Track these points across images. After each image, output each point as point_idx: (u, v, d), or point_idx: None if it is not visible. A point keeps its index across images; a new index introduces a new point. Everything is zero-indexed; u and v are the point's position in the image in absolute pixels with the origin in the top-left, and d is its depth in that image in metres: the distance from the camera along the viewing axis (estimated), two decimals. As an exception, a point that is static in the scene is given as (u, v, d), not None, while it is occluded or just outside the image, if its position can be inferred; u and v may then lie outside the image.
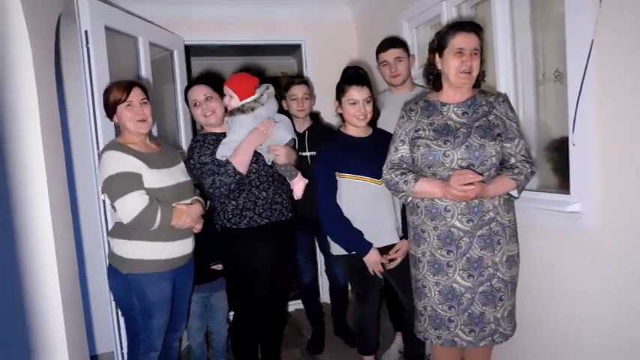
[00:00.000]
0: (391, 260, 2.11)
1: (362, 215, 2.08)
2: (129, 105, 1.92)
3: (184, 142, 3.05)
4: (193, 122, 3.35)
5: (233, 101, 2.14)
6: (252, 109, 2.10)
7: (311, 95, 2.76)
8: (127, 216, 1.82)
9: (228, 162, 2.05)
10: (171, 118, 3.07)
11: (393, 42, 2.46)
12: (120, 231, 1.93)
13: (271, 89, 2.20)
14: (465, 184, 1.63)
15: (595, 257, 1.65)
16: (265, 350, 2.48)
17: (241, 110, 2.10)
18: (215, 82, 2.28)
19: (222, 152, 2.08)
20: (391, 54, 2.41)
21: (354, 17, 3.63)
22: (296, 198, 2.23)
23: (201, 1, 3.21)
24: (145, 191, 1.85)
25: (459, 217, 1.74)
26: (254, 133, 2.10)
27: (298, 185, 2.20)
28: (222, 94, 2.21)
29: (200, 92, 2.17)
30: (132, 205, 1.80)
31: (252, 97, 2.12)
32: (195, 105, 2.18)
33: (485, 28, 1.92)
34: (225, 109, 2.21)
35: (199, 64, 4.76)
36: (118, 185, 1.82)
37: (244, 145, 2.08)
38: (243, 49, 4.48)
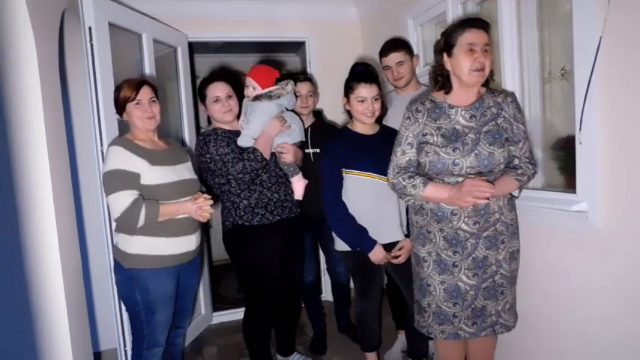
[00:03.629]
0: (395, 257, 2.11)
1: (367, 211, 2.09)
2: (138, 103, 1.95)
3: (188, 139, 3.05)
4: (197, 119, 3.35)
5: (256, 91, 2.21)
6: (279, 97, 2.18)
7: (315, 93, 2.75)
8: (114, 213, 1.86)
9: (255, 149, 2.13)
10: (174, 115, 3.07)
11: (394, 45, 2.40)
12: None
13: (292, 83, 2.29)
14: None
15: (601, 256, 1.64)
16: (280, 341, 2.59)
17: (268, 96, 2.17)
18: (234, 80, 2.36)
19: (244, 142, 2.16)
20: (392, 59, 2.38)
21: (359, 15, 3.62)
22: (297, 198, 2.28)
23: (205, -3, 3.21)
24: (137, 191, 1.86)
25: (466, 219, 1.73)
26: (275, 122, 2.18)
27: (299, 184, 2.26)
28: (237, 93, 2.29)
29: (223, 89, 2.25)
30: (118, 203, 1.83)
31: (278, 85, 2.21)
32: (215, 100, 2.24)
33: (491, 25, 1.90)
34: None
35: (203, 62, 4.75)
36: (112, 182, 1.85)
37: (266, 134, 2.17)
38: (247, 47, 4.47)
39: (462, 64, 1.67)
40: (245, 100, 2.25)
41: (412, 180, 1.78)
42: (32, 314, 1.76)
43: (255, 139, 2.16)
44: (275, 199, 2.21)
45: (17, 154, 1.72)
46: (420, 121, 1.79)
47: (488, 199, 1.64)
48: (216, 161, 2.12)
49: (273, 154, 2.23)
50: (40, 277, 1.78)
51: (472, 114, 1.75)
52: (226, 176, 2.13)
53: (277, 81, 2.23)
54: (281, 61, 5.00)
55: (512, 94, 1.85)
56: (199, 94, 2.31)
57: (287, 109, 2.30)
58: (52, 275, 1.80)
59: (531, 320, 1.96)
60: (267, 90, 2.18)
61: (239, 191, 2.18)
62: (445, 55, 1.73)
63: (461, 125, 1.74)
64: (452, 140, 1.72)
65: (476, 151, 1.69)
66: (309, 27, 3.56)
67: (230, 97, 2.25)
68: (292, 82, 2.28)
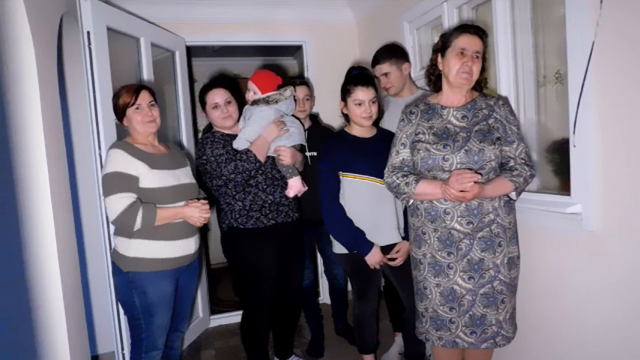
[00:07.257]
0: (392, 259, 2.12)
1: (364, 214, 2.10)
2: (137, 108, 1.97)
3: (185, 142, 3.06)
4: (194, 123, 3.36)
5: (255, 96, 2.24)
6: (277, 102, 2.21)
7: (311, 96, 2.77)
8: (111, 215, 1.87)
9: (249, 150, 2.14)
10: (172, 118, 3.08)
11: (379, 57, 2.40)
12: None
13: (292, 89, 2.31)
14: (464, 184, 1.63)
15: (595, 258, 1.66)
16: (278, 343, 2.59)
17: (266, 101, 2.20)
18: (232, 86, 2.38)
19: (239, 144, 2.17)
20: (377, 70, 2.40)
21: (356, 18, 3.64)
22: (288, 194, 2.27)
23: (203, 2, 3.22)
24: (135, 194, 1.87)
25: (459, 219, 1.75)
26: (273, 127, 2.19)
27: (295, 184, 2.26)
28: (237, 98, 2.30)
29: (222, 96, 2.26)
30: (115, 205, 1.84)
31: (277, 91, 2.23)
32: (214, 107, 2.25)
33: (487, 29, 1.92)
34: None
35: (201, 65, 4.77)
36: (110, 184, 1.86)
37: (263, 137, 2.18)
38: (245, 51, 4.49)
39: (452, 66, 1.74)
40: (246, 105, 2.28)
41: (405, 178, 1.82)
42: (30, 318, 1.77)
43: (250, 143, 2.17)
44: (270, 202, 2.21)
45: (16, 158, 1.72)
46: (414, 121, 1.85)
47: (475, 197, 1.66)
48: (212, 162, 2.13)
49: (270, 157, 2.24)
50: (38, 280, 1.79)
51: (464, 114, 1.79)
52: (221, 177, 2.14)
53: (279, 88, 2.25)
54: (279, 64, 5.02)
55: (505, 98, 1.87)
56: (200, 102, 2.33)
57: (286, 114, 2.31)
58: (49, 278, 1.81)
59: (528, 322, 1.97)
60: (265, 95, 2.20)
61: (234, 193, 2.19)
62: (439, 55, 1.80)
63: (452, 125, 1.79)
64: (443, 138, 1.77)
65: (466, 148, 1.72)
66: (306, 30, 3.57)
67: (229, 102, 2.27)
68: (292, 87, 2.30)
